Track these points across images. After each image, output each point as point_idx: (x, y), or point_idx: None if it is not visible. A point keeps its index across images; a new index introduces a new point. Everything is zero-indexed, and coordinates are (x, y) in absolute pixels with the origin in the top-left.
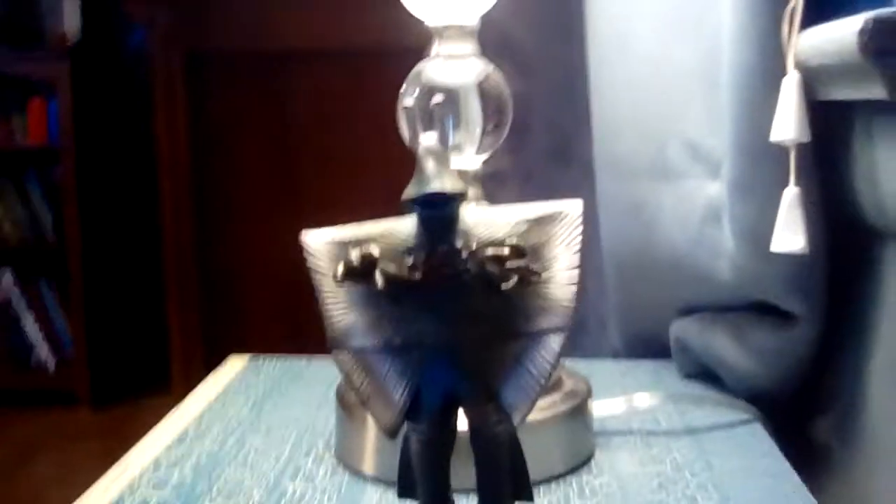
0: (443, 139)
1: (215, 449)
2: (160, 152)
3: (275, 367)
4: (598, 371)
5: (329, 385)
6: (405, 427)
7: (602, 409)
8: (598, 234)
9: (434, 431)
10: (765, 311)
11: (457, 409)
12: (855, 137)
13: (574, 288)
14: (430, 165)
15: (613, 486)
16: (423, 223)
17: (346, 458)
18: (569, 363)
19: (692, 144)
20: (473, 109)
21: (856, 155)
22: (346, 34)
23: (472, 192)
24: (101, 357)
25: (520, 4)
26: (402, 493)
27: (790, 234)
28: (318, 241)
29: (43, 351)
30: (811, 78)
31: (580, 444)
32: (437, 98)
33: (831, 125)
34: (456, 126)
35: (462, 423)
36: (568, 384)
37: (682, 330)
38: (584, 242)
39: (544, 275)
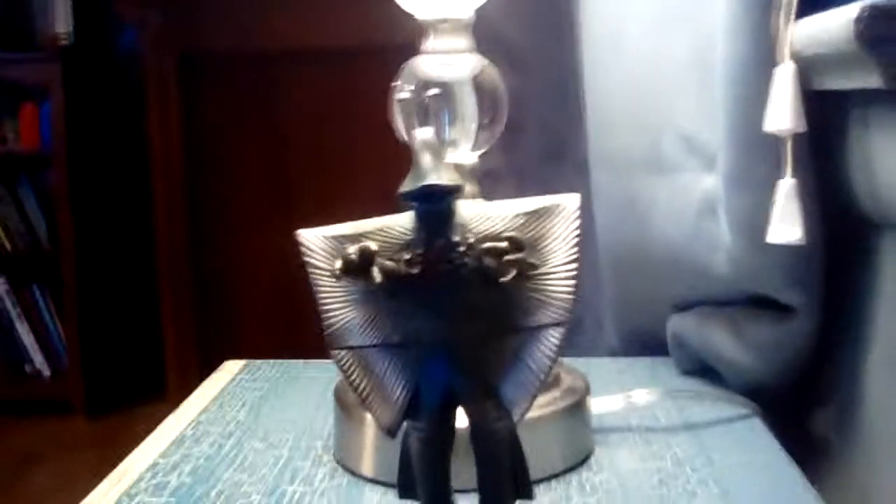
0: (438, 134)
1: (213, 453)
2: (153, 154)
3: (271, 370)
4: (595, 368)
5: (326, 387)
6: (404, 426)
7: (601, 405)
8: (593, 231)
9: (434, 429)
10: (762, 304)
11: (456, 406)
12: (851, 127)
13: (573, 281)
14: (426, 159)
15: (614, 483)
16: (420, 217)
17: (345, 460)
18: (566, 360)
19: (687, 137)
20: (468, 104)
21: (852, 145)
22: (338, 33)
23: (468, 187)
24: (95, 365)
25: (513, 1)
26: (403, 494)
27: (786, 225)
28: (314, 237)
29: (37, 359)
30: (806, 68)
31: (579, 441)
32: (432, 91)
33: (827, 115)
34: (451, 121)
35: (462, 420)
36: (566, 381)
37: (680, 325)
38: (580, 237)
39: (542, 268)
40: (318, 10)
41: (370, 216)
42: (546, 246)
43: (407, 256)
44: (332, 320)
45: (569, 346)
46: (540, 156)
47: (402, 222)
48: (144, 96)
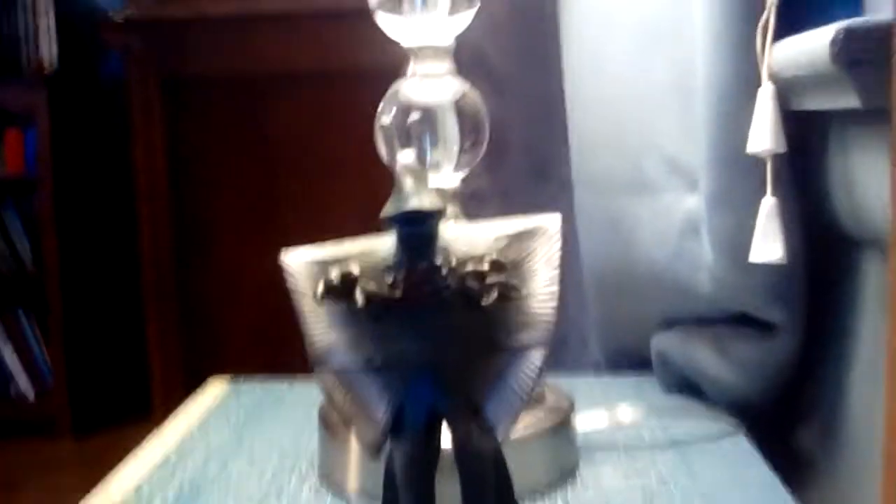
0: (420, 157)
1: (197, 474)
2: (138, 178)
3: (256, 389)
4: (580, 386)
5: (311, 406)
6: (388, 445)
7: (585, 423)
8: (577, 250)
9: (418, 449)
10: (745, 322)
11: (440, 425)
12: (831, 147)
13: (554, 303)
14: (408, 183)
15: (599, 501)
16: (403, 240)
17: (330, 479)
18: (551, 378)
19: (669, 158)
20: (450, 127)
21: (831, 164)
22: (323, 57)
23: (450, 209)
24: (81, 386)
25: (495, 25)
26: None
27: (768, 244)
28: (298, 261)
29: (22, 381)
30: (786, 88)
31: (564, 459)
32: (414, 116)
33: (807, 135)
34: (433, 144)
35: (446, 440)
36: (551, 399)
37: (664, 343)
38: (563, 257)
39: (524, 290)
40: (302, 33)
41: (356, 237)
42: (528, 268)
43: (389, 279)
44: (316, 343)
45: (554, 364)
46: (524, 176)
47: (384, 245)
48: (129, 121)
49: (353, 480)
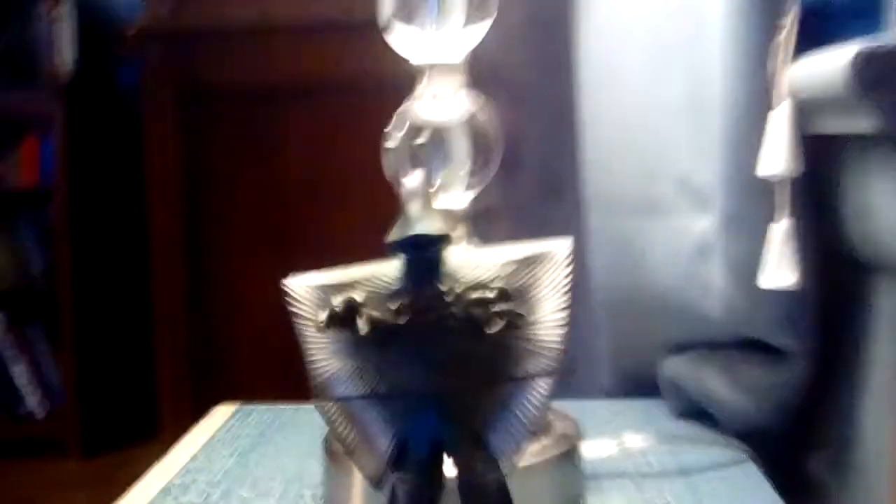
0: (428, 179)
1: (199, 502)
2: (151, 189)
3: (262, 415)
4: (588, 411)
5: (317, 433)
6: (392, 477)
7: (593, 451)
8: (589, 270)
9: (421, 481)
10: (756, 348)
11: (444, 457)
12: (848, 171)
13: (562, 330)
14: (413, 207)
15: None
16: (408, 266)
17: None
18: (559, 404)
19: (681, 178)
20: (460, 148)
21: (848, 189)
22: (339, 68)
23: (459, 231)
24: (90, 405)
25: (510, 39)
26: None
27: (781, 270)
28: (301, 288)
29: (32, 399)
30: (801, 110)
31: (571, 488)
32: (423, 137)
33: (823, 158)
34: (443, 165)
35: (450, 471)
36: (558, 427)
37: (674, 369)
38: (574, 280)
39: (531, 317)
40: (318, 44)
41: (370, 253)
42: (536, 294)
43: (394, 306)
44: (319, 371)
45: (562, 388)
46: (538, 192)
47: (389, 271)
48: (145, 131)
49: None
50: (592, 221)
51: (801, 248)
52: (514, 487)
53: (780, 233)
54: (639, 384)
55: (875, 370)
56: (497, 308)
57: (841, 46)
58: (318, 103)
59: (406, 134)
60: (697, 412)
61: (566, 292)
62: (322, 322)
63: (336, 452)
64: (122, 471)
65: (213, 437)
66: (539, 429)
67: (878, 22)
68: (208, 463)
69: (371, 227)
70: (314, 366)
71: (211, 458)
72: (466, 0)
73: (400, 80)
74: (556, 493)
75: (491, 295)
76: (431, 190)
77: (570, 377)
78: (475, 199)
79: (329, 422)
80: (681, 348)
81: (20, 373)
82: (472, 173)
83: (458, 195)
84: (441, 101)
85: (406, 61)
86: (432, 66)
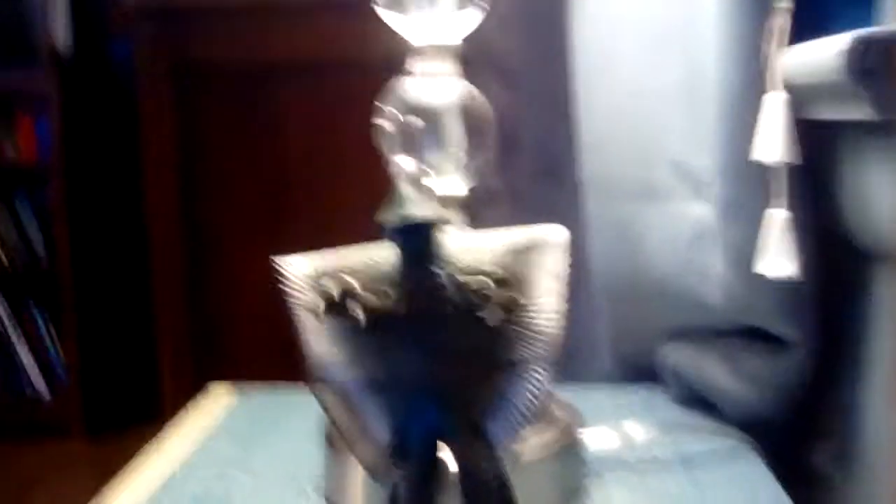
0: (422, 162)
1: (199, 490)
2: (146, 167)
3: (262, 399)
4: (590, 398)
5: (316, 417)
6: (392, 467)
7: (595, 441)
8: (588, 254)
9: (421, 471)
10: (757, 336)
11: (443, 447)
12: (843, 158)
13: (560, 318)
14: (406, 189)
15: None
16: (403, 251)
17: (334, 495)
18: (561, 390)
19: (678, 165)
20: (454, 132)
21: (845, 176)
22: (334, 46)
23: (454, 216)
24: (93, 385)
25: (507, 22)
26: None
27: (780, 258)
28: (296, 273)
29: (37, 381)
30: (797, 97)
31: (573, 479)
32: (416, 121)
33: (820, 145)
34: (436, 148)
35: (449, 459)
36: (559, 416)
37: (674, 356)
38: (573, 265)
39: (529, 304)
40: (314, 21)
41: (367, 231)
42: (533, 282)
43: (390, 294)
44: (315, 358)
45: (564, 373)
46: (536, 174)
47: (385, 254)
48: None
49: (357, 499)
50: (590, 206)
51: (798, 236)
52: (517, 480)
53: (777, 221)
54: (639, 370)
55: (876, 359)
56: (494, 296)
57: (836, 34)
58: (314, 80)
59: (400, 114)
60: (698, 399)
61: (563, 279)
62: (321, 311)
63: (336, 441)
64: (125, 450)
65: (212, 423)
66: (537, 417)
67: (874, 9)
68: (208, 449)
69: (368, 205)
70: (310, 352)
71: (210, 445)
72: None
73: (395, 59)
74: (557, 484)
75: (488, 282)
76: (425, 173)
77: (569, 363)
78: (472, 182)
79: (325, 408)
80: (680, 335)
81: (25, 355)
82: (467, 156)
83: (452, 179)
84: (434, 83)
85: (400, 40)
86: (425, 46)
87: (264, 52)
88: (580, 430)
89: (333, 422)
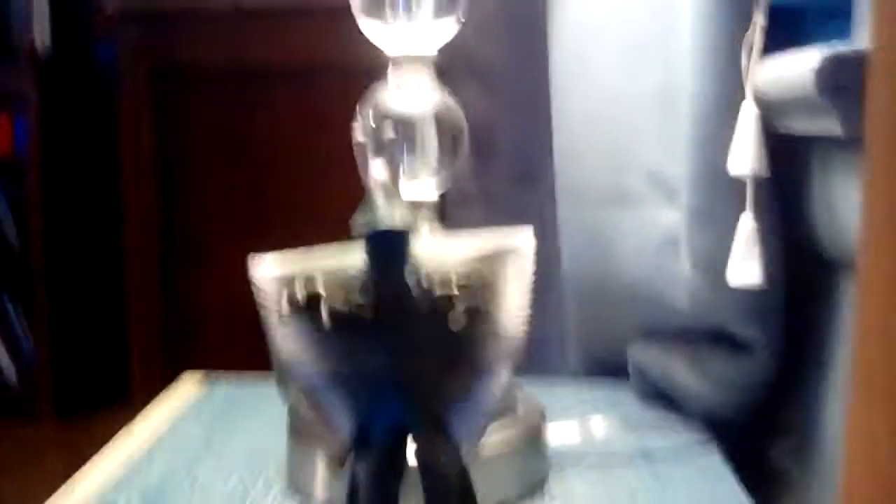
0: (396, 168)
1: (164, 476)
2: (124, 165)
3: (229, 388)
4: (555, 392)
5: (283, 406)
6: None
7: (557, 435)
8: (559, 258)
9: (382, 463)
10: (722, 339)
11: (406, 440)
12: (812, 170)
13: (524, 322)
14: (379, 197)
15: None
16: (372, 257)
17: (297, 484)
18: (526, 383)
19: (650, 172)
20: (428, 139)
21: (814, 187)
22: (317, 50)
23: (424, 221)
24: (64, 369)
25: (486, 28)
26: None
27: (747, 266)
28: (265, 275)
29: (5, 363)
30: (770, 109)
31: (534, 472)
32: (390, 131)
33: (789, 156)
34: (410, 155)
35: (411, 455)
36: (522, 411)
37: (640, 355)
38: (545, 267)
39: (494, 310)
40: (295, 26)
41: (341, 231)
42: (499, 288)
43: (358, 298)
44: (282, 355)
45: (530, 367)
46: (510, 178)
47: (354, 259)
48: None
49: (320, 489)
50: (562, 210)
51: (767, 245)
52: (479, 472)
53: (746, 230)
54: (606, 370)
55: (839, 361)
56: (459, 301)
57: (810, 48)
58: (293, 84)
59: (373, 123)
60: (663, 397)
61: (528, 285)
62: (283, 312)
63: (300, 430)
64: (94, 434)
65: (178, 410)
66: (499, 414)
67: (847, 24)
68: (174, 436)
69: (342, 206)
70: (277, 350)
71: (176, 432)
72: None
73: (373, 66)
74: (518, 477)
75: (455, 290)
76: (397, 179)
77: (536, 360)
78: (444, 188)
79: (291, 404)
80: (648, 336)
81: None
82: (440, 164)
83: (424, 185)
84: (409, 93)
85: (378, 49)
86: (402, 57)
87: (245, 55)
88: (543, 425)
89: (298, 414)
